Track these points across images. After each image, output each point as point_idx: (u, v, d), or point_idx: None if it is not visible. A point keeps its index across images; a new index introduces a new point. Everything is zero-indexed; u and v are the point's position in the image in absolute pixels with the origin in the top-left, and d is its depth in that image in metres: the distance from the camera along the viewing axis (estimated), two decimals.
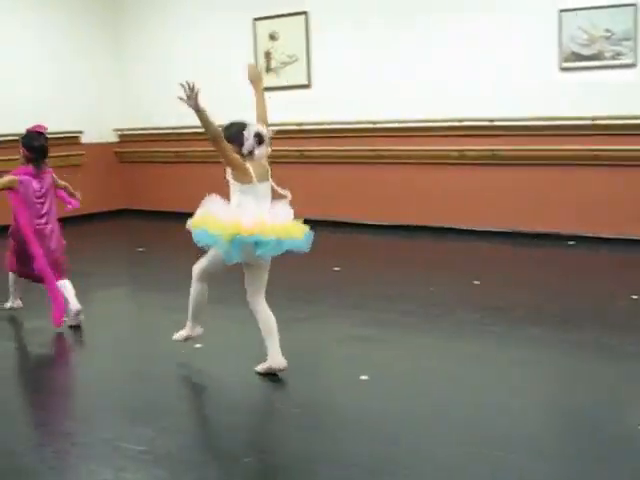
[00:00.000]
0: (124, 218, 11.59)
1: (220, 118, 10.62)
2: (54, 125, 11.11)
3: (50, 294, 5.78)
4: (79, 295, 5.93)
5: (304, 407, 4.18)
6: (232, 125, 4.81)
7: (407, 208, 9.54)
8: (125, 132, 12.07)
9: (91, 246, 9.65)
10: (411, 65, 9.31)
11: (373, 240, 9.27)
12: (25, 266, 5.91)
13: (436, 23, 9.11)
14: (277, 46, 10.42)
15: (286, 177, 10.13)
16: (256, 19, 10.51)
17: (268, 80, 10.48)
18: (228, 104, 10.79)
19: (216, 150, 4.57)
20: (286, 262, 7.15)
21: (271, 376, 4.63)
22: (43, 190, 5.88)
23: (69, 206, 6.28)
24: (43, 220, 5.86)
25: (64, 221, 10.54)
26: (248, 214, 4.53)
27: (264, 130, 4.74)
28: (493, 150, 8.87)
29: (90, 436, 3.88)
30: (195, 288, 4.93)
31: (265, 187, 4.73)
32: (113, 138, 12.06)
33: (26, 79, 10.94)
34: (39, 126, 6.02)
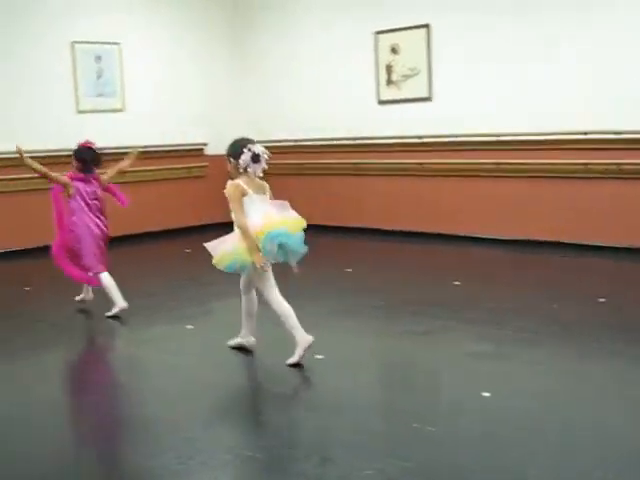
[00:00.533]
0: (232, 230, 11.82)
1: (340, 130, 10.77)
2: (181, 138, 11.54)
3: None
4: (205, 304, 6.07)
5: (428, 423, 4.13)
6: (236, 142, 5.31)
7: (534, 222, 9.33)
8: None
9: (208, 255, 9.86)
10: (534, 78, 9.14)
11: (495, 255, 9.12)
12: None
13: (561, 37, 8.91)
14: (398, 59, 10.42)
15: (406, 190, 10.29)
16: (377, 32, 10.55)
17: (389, 93, 10.52)
18: (348, 117, 10.93)
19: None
20: (409, 278, 7.15)
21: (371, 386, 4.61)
22: (97, 192, 6.79)
23: (119, 203, 7.13)
24: (104, 217, 6.81)
25: (189, 230, 10.91)
26: (251, 223, 5.10)
27: (262, 150, 5.18)
28: (619, 164, 8.61)
29: (211, 443, 3.95)
30: (242, 300, 5.58)
31: (261, 198, 5.21)
32: None
33: (158, 96, 11.33)
34: (88, 142, 6.91)
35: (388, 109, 10.55)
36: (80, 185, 6.70)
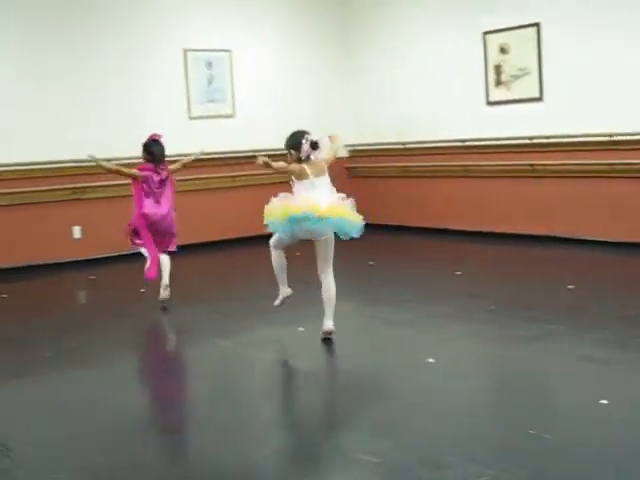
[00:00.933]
0: None
1: (448, 132, 10.71)
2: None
3: (153, 261, 7.36)
4: (316, 306, 6.14)
5: (544, 430, 4.07)
6: (294, 134, 5.95)
7: None
8: (356, 147, 12.36)
9: None
10: None
11: (606, 258, 8.90)
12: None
13: None
14: (508, 59, 10.29)
15: (516, 192, 10.13)
16: (486, 32, 10.44)
17: (498, 94, 10.40)
18: (457, 118, 10.85)
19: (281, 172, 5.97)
20: (520, 281, 7.06)
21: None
22: (161, 181, 7.49)
23: None
24: (160, 204, 7.45)
25: None
26: (298, 199, 5.72)
27: (319, 139, 5.82)
28: None
29: (327, 445, 4.00)
30: (272, 255, 6.23)
31: (321, 180, 5.82)
32: (344, 153, 12.37)
33: (267, 101, 11.52)
34: (155, 135, 7.60)
35: (497, 110, 10.42)
36: (149, 174, 7.42)
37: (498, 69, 10.40)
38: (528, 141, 9.97)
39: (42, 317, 7.38)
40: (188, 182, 10.60)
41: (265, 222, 5.94)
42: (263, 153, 11.14)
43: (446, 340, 5.89)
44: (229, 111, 11.27)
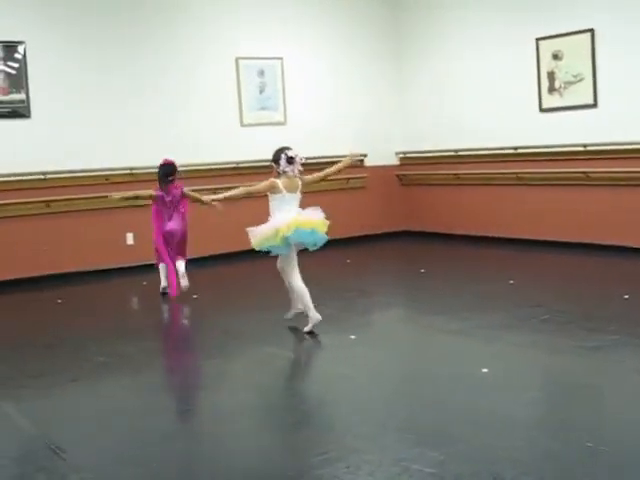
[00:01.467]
0: (405, 239, 11.80)
1: (501, 140, 10.60)
2: (343, 149, 11.65)
3: (170, 274, 8.16)
4: (368, 314, 6.12)
5: (602, 443, 4.01)
6: (277, 150, 6.59)
7: None
8: (407, 155, 12.33)
9: (373, 266, 9.94)
10: None
11: None
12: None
13: None
14: (561, 66, 10.18)
15: (570, 200, 9.99)
16: (539, 39, 10.34)
17: (551, 101, 10.29)
18: (510, 126, 10.76)
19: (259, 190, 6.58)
20: (572, 290, 6.95)
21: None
22: (171, 200, 8.23)
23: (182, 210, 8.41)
24: (170, 220, 8.20)
25: (350, 241, 11.02)
26: (280, 219, 6.28)
27: (295, 154, 6.43)
28: None
29: (380, 454, 3.98)
30: (299, 286, 6.59)
31: (293, 197, 6.44)
32: (395, 161, 12.35)
33: (318, 108, 11.55)
34: (165, 159, 8.42)
35: (550, 117, 10.31)
36: (159, 194, 8.22)
37: (551, 76, 10.30)
38: (582, 148, 9.85)
39: (96, 322, 7.47)
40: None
41: (259, 247, 6.49)
42: (313, 161, 11.33)
43: (500, 350, 5.83)
44: (280, 119, 11.31)
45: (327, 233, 6.56)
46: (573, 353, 5.65)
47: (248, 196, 6.86)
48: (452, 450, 3.96)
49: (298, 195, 6.51)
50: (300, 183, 6.52)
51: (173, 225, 8.25)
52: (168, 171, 8.28)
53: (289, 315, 6.85)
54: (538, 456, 3.88)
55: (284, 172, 6.43)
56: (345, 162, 7.02)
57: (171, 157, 9.78)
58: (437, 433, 4.24)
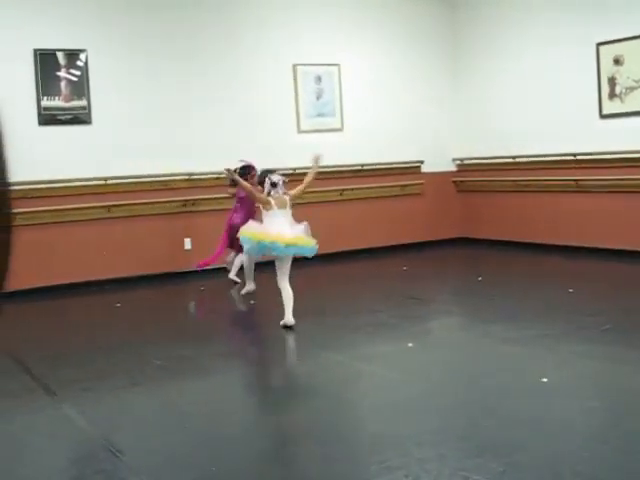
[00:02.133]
0: (461, 246, 11.73)
1: (560, 146, 10.44)
2: (398, 156, 11.68)
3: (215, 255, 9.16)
4: (425, 322, 6.10)
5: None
6: (262, 173, 7.41)
7: None
8: (464, 161, 12.26)
9: (430, 273, 9.90)
10: None
11: None
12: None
13: None
14: (622, 71, 10.03)
15: (629, 206, 9.80)
16: (599, 44, 10.20)
17: (612, 107, 10.14)
18: (569, 132, 10.62)
19: (250, 196, 7.51)
20: (633, 299, 6.81)
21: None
22: (239, 199, 8.92)
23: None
24: (235, 214, 8.96)
25: (407, 248, 10.96)
26: (271, 229, 6.88)
27: (278, 179, 7.02)
28: None
29: (439, 464, 3.96)
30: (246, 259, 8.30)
31: (283, 212, 6.98)
32: (451, 167, 12.29)
33: (375, 115, 11.56)
34: (245, 161, 8.89)
35: (611, 123, 10.16)
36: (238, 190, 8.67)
37: (612, 81, 10.15)
38: (637, 155, 9.67)
39: (155, 326, 7.56)
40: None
41: (241, 239, 7.22)
42: (369, 167, 11.33)
43: (560, 359, 5.76)
44: (337, 125, 11.33)
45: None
46: (635, 363, 5.56)
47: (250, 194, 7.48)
48: (513, 460, 3.93)
49: (288, 210, 7.03)
50: (288, 199, 7.02)
51: (234, 220, 8.83)
52: (243, 171, 8.61)
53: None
54: (601, 468, 3.82)
55: (269, 194, 7.01)
56: (314, 169, 7.41)
57: (230, 163, 9.89)
58: (497, 443, 4.20)
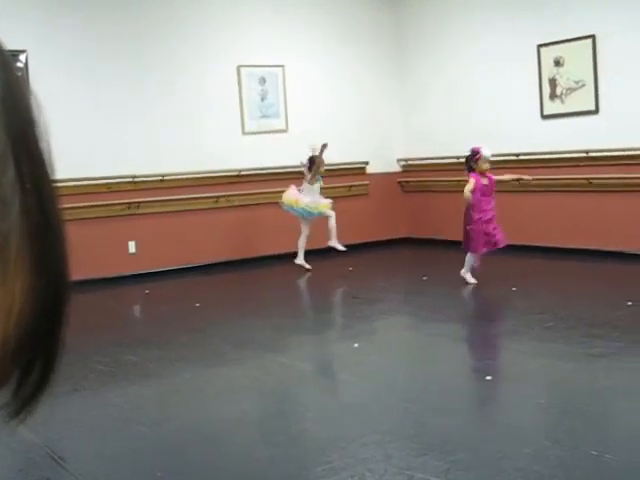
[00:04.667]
0: (407, 246, 11.80)
1: (502, 146, 10.57)
2: (343, 157, 11.70)
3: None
4: (371, 322, 6.11)
5: (607, 451, 3.99)
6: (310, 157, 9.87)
7: None
8: (408, 162, 12.33)
9: (376, 274, 9.93)
10: None
11: None
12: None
13: None
14: (562, 72, 10.18)
15: (571, 207, 9.99)
16: (540, 45, 10.35)
17: (553, 107, 10.29)
18: (510, 132, 10.75)
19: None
20: (576, 297, 6.94)
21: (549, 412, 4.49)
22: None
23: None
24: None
25: (352, 248, 11.00)
26: (304, 197, 9.70)
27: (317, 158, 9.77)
28: None
29: (385, 463, 3.96)
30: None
31: (317, 185, 9.83)
32: (397, 168, 12.35)
33: (319, 116, 11.58)
34: (474, 148, 8.53)
35: (552, 123, 10.32)
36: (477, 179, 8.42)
37: (553, 82, 10.30)
38: (584, 155, 9.84)
39: (100, 331, 7.46)
40: (244, 197, 10.74)
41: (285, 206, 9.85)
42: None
43: (504, 357, 5.83)
44: (282, 126, 11.31)
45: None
46: (577, 360, 5.64)
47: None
48: (457, 458, 3.95)
49: (320, 184, 10.10)
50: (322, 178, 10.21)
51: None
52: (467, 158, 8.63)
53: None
54: (544, 465, 3.86)
55: (309, 170, 9.88)
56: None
57: (172, 165, 9.86)
58: (442, 441, 4.23)
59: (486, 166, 8.39)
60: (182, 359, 6.30)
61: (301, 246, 10.09)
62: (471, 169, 8.43)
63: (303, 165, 10.00)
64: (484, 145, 8.41)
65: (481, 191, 8.37)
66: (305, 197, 9.78)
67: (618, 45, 9.47)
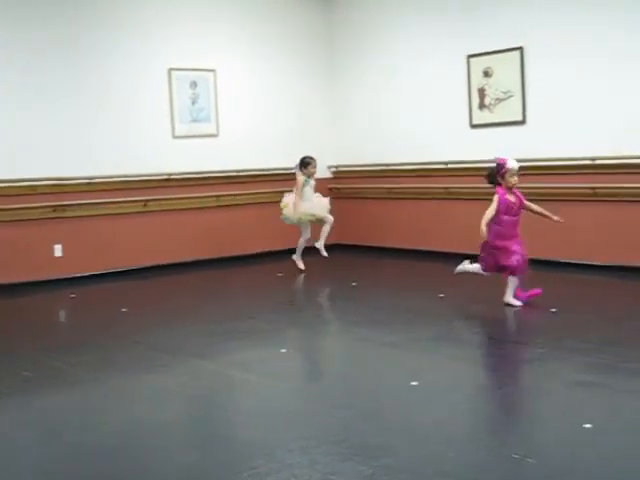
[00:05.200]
0: (336, 252, 11.81)
1: (432, 155, 10.70)
2: (274, 162, 11.67)
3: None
4: (300, 328, 6.09)
5: (528, 454, 4.06)
6: (302, 158, 10.16)
7: (633, 248, 9.08)
8: (339, 169, 12.38)
9: (305, 279, 9.93)
10: (631, 99, 8.95)
11: (592, 280, 8.93)
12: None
13: None
14: (491, 82, 10.35)
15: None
16: (470, 56, 10.50)
17: (482, 117, 10.45)
18: (440, 141, 10.89)
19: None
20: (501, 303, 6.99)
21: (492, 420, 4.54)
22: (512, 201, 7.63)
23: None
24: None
25: (279, 254, 10.97)
26: (303, 203, 9.98)
27: (310, 161, 10.12)
28: None
29: (310, 469, 3.96)
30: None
31: (310, 187, 10.10)
32: (327, 174, 12.38)
33: (251, 121, 11.58)
34: (499, 158, 7.64)
35: (480, 133, 10.47)
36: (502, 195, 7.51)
37: (482, 92, 10.46)
38: None
39: (24, 336, 7.31)
40: (173, 201, 10.68)
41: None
42: (245, 173, 11.33)
43: (431, 362, 5.87)
44: (213, 131, 11.25)
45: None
46: (503, 366, 5.71)
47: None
48: (381, 463, 3.97)
49: (313, 184, 10.26)
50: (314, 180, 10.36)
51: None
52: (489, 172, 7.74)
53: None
54: (466, 468, 3.91)
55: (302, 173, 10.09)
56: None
57: (101, 168, 9.72)
58: (368, 447, 4.24)
59: (514, 180, 7.47)
60: (109, 365, 6.21)
61: (300, 245, 10.29)
62: (495, 181, 7.58)
63: (296, 166, 10.16)
64: (509, 157, 7.57)
65: (506, 208, 7.46)
66: (304, 202, 10.00)
67: (545, 56, 9.66)
